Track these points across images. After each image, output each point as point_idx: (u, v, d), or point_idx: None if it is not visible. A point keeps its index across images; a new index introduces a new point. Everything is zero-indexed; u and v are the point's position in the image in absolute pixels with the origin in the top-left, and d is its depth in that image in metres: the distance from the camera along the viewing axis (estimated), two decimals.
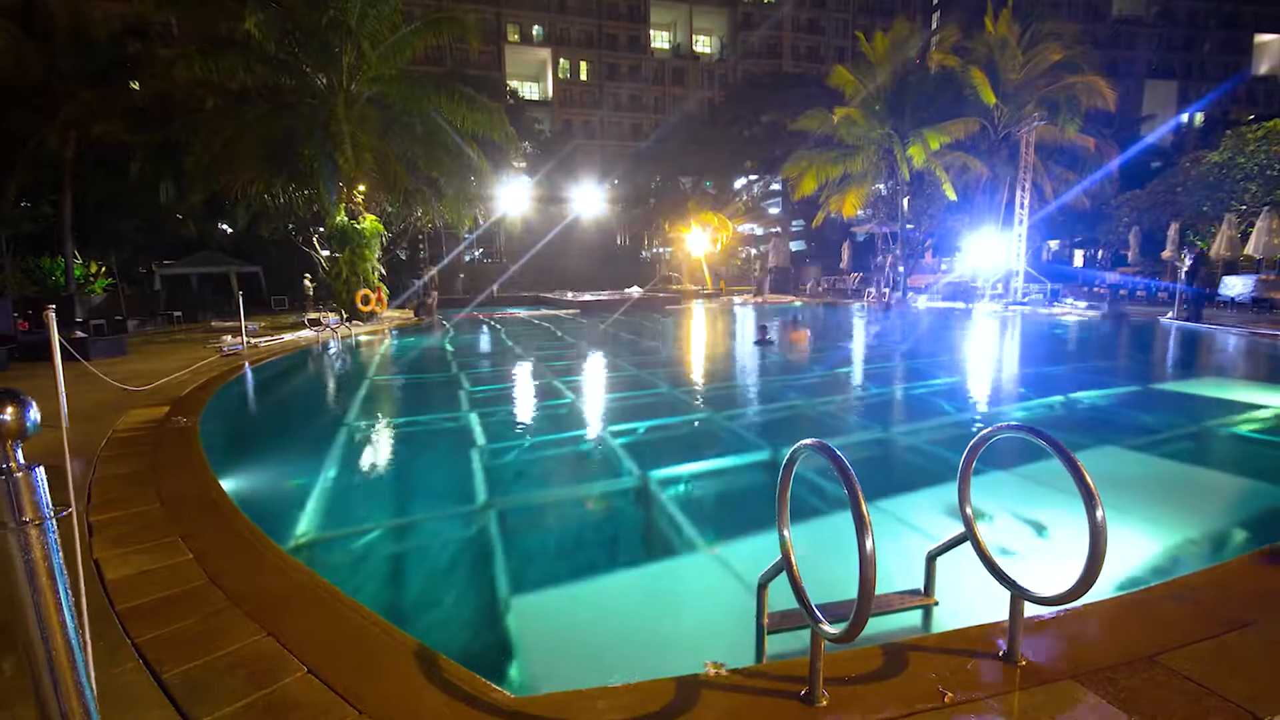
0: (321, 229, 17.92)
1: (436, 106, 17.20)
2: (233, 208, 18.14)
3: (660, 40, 59.49)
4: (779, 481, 2.10)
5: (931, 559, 2.53)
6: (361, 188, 17.68)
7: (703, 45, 60.95)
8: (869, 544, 1.60)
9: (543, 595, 3.13)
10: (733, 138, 44.41)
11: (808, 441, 1.93)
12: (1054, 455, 1.94)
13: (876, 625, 2.55)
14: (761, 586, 2.35)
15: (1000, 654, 2.15)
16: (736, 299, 28.55)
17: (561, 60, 55.11)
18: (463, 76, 34.52)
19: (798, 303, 26.03)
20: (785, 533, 2.09)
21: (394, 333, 16.08)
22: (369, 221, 17.69)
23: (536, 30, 54.54)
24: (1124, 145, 27.14)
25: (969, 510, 2.31)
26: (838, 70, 23.34)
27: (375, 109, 17.12)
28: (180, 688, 2.07)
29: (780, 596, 2.40)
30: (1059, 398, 7.48)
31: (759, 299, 26.80)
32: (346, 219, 17.16)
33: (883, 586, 2.74)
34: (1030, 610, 2.26)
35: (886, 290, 24.01)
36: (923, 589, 2.57)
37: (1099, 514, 1.81)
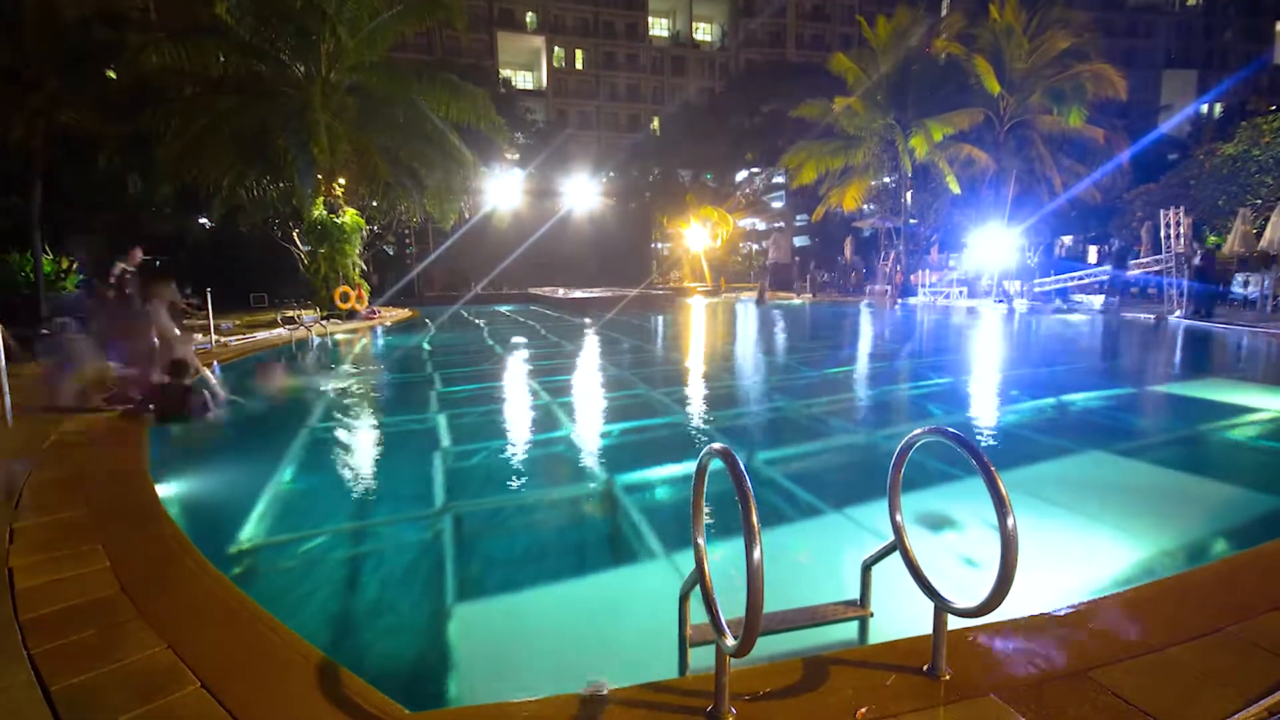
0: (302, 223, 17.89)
1: (418, 94, 17.17)
2: (208, 201, 18.10)
3: (659, 28, 59.44)
4: (692, 488, 2.09)
5: (866, 569, 2.51)
6: (341, 180, 17.66)
7: (703, 33, 60.89)
8: (756, 555, 1.59)
9: (483, 604, 3.12)
10: (733, 128, 44.39)
11: (715, 447, 1.92)
12: (973, 461, 1.93)
13: (808, 638, 2.54)
14: (683, 597, 2.34)
15: (925, 668, 2.13)
16: (742, 296, 28.53)
17: (556, 48, 55.09)
18: (452, 65, 34.48)
19: (797, 300, 26.01)
20: (700, 540, 2.08)
21: (374, 332, 16.08)
22: (349, 216, 17.69)
23: (530, 17, 54.52)
24: (1140, 137, 27.08)
25: (899, 517, 2.31)
26: (837, 57, 23.33)
27: (354, 98, 17.10)
28: (66, 701, 2.06)
29: (734, 606, 2.37)
30: (1050, 399, 7.47)
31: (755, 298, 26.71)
32: (325, 213, 17.15)
33: (841, 596, 2.73)
34: (978, 621, 2.25)
35: (889, 287, 23.98)
36: (859, 600, 2.55)
37: (1010, 522, 1.80)
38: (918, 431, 2.23)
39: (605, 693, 2.01)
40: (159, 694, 2.07)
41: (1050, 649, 2.26)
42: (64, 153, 17.84)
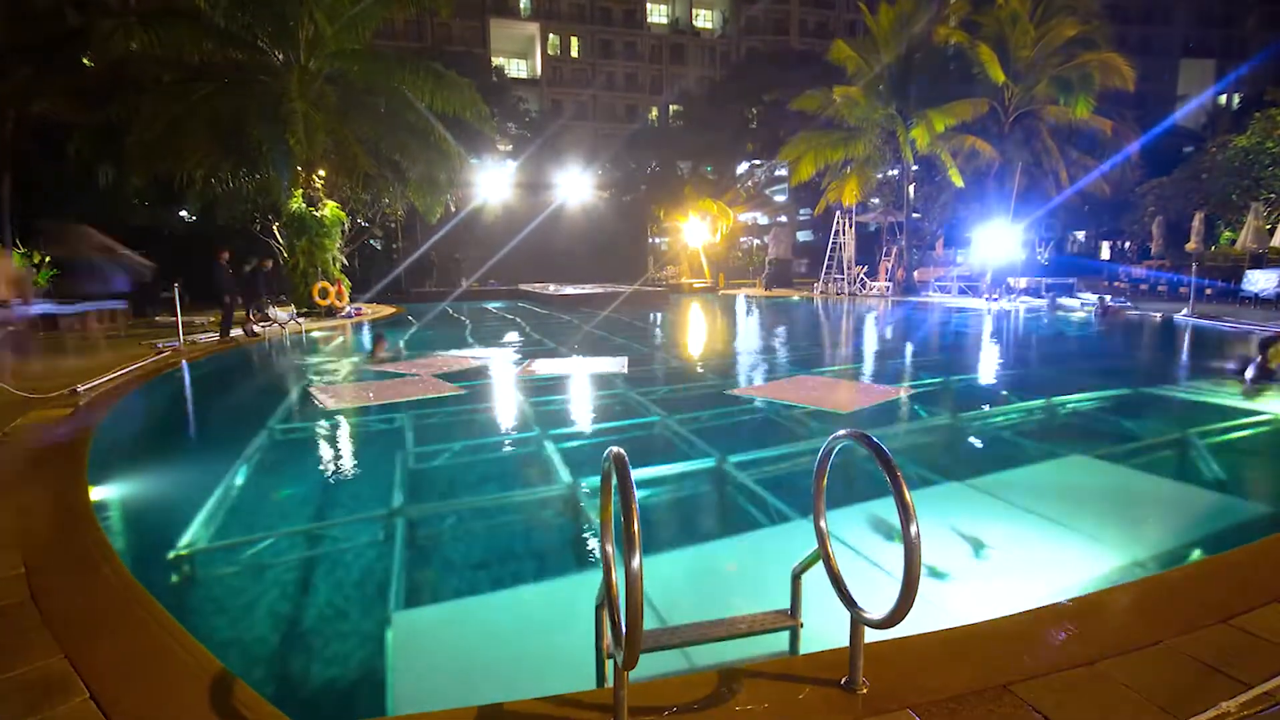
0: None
1: (401, 84, 17.16)
2: (183, 193, 18.11)
3: (658, 15, 59.34)
4: (600, 496, 2.08)
5: (796, 577, 2.50)
6: (321, 172, 17.65)
7: (703, 20, 60.80)
8: (635, 563, 1.58)
9: (409, 613, 3.12)
10: (734, 119, 44.30)
11: (612, 450, 1.91)
12: (880, 464, 1.92)
13: (739, 649, 2.52)
14: (598, 608, 2.32)
15: (843, 681, 2.12)
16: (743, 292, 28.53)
17: (551, 36, 55.02)
18: (443, 53, 34.47)
19: (796, 297, 25.99)
20: (608, 548, 2.06)
21: (353, 329, 16.08)
22: (329, 209, 17.68)
23: (524, 3, 54.45)
24: (1155, 127, 26.99)
25: (822, 523, 2.29)
26: (838, 44, 23.26)
27: (334, 87, 17.08)
28: None
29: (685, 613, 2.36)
30: (1040, 400, 7.46)
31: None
32: (304, 206, 17.15)
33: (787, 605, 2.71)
34: (901, 632, 2.23)
35: (890, 284, 23.95)
36: (789, 610, 2.54)
37: (913, 529, 1.79)
38: (838, 434, 2.22)
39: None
40: (47, 704, 2.07)
41: (973, 662, 2.24)
42: (34, 143, 17.85)
